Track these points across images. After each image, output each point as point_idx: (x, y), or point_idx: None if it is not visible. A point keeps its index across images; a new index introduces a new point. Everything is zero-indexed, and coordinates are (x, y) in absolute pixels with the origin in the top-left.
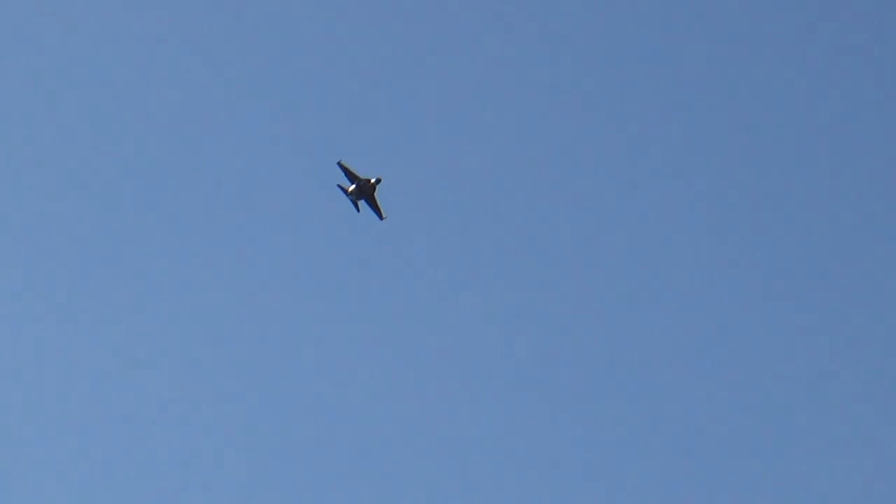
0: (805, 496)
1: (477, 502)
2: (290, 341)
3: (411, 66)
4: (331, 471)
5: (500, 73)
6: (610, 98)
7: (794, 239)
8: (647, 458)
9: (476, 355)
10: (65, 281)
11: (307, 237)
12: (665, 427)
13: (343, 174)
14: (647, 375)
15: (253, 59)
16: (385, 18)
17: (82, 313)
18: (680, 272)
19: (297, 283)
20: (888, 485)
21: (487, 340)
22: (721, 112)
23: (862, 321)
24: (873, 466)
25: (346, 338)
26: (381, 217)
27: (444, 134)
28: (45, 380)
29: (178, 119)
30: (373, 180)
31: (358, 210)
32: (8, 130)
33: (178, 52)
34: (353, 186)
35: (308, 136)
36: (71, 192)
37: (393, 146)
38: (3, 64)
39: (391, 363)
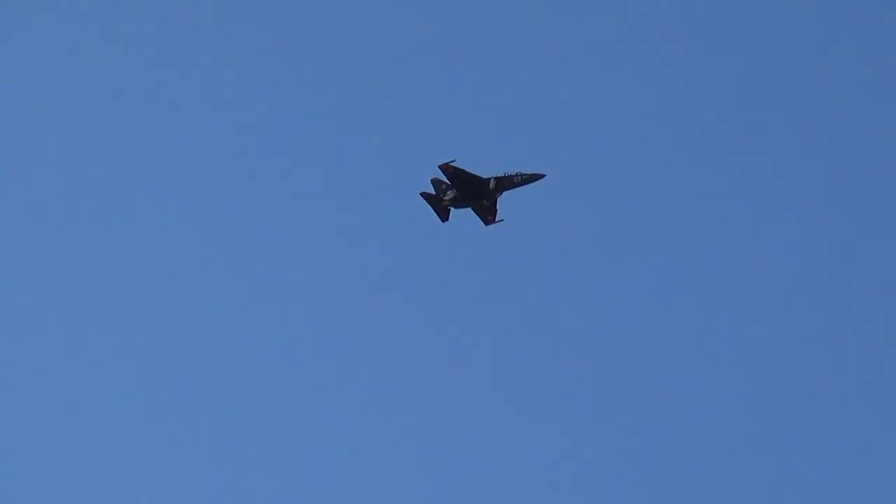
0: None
1: None
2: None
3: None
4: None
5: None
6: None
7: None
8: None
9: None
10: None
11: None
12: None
13: (445, 177)
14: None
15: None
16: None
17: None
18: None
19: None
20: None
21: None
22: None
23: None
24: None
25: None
26: (489, 222)
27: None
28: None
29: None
30: (517, 177)
31: (444, 220)
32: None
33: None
34: (451, 194)
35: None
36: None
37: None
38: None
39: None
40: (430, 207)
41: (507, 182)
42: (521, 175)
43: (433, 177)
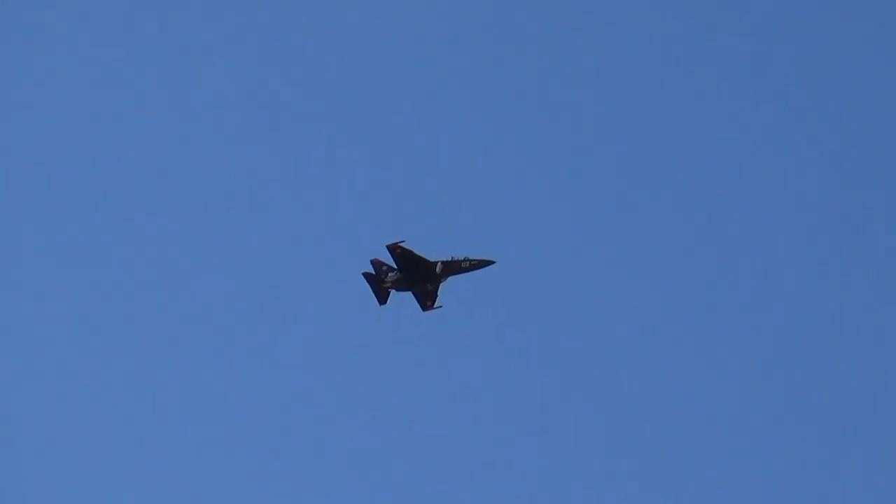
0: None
1: None
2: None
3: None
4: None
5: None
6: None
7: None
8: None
9: None
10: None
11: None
12: None
13: (390, 257)
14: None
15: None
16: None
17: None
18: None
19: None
20: None
21: None
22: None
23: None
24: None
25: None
26: (427, 308)
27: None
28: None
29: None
30: (465, 262)
31: (383, 303)
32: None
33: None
34: (393, 276)
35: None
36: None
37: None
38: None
39: None
40: (370, 289)
41: (455, 267)
42: (470, 261)
43: (374, 258)
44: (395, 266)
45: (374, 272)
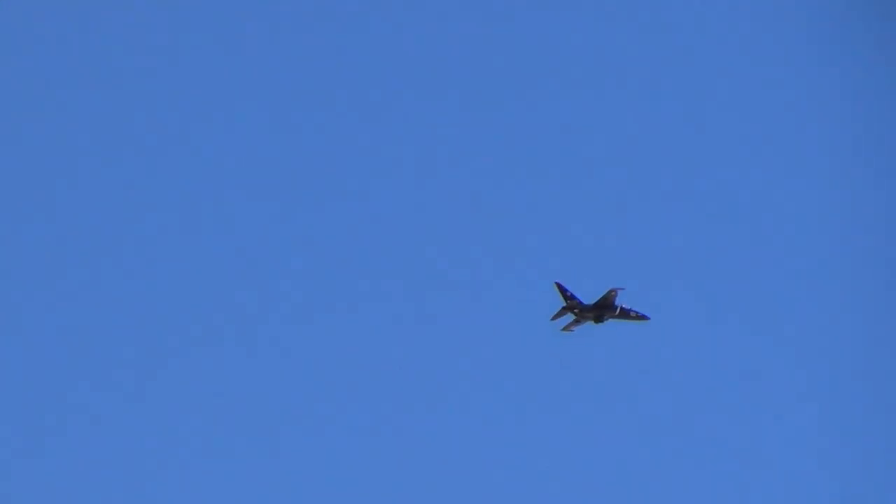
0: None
1: None
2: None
3: None
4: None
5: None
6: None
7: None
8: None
9: None
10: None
11: None
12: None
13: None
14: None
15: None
16: None
17: None
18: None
19: None
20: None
21: None
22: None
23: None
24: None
25: None
26: (567, 329)
27: None
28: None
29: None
30: (633, 314)
31: (554, 318)
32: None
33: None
34: (577, 307)
35: None
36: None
37: None
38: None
39: None
40: (560, 298)
41: (624, 314)
42: (637, 313)
43: (557, 281)
44: (579, 300)
45: (560, 293)
